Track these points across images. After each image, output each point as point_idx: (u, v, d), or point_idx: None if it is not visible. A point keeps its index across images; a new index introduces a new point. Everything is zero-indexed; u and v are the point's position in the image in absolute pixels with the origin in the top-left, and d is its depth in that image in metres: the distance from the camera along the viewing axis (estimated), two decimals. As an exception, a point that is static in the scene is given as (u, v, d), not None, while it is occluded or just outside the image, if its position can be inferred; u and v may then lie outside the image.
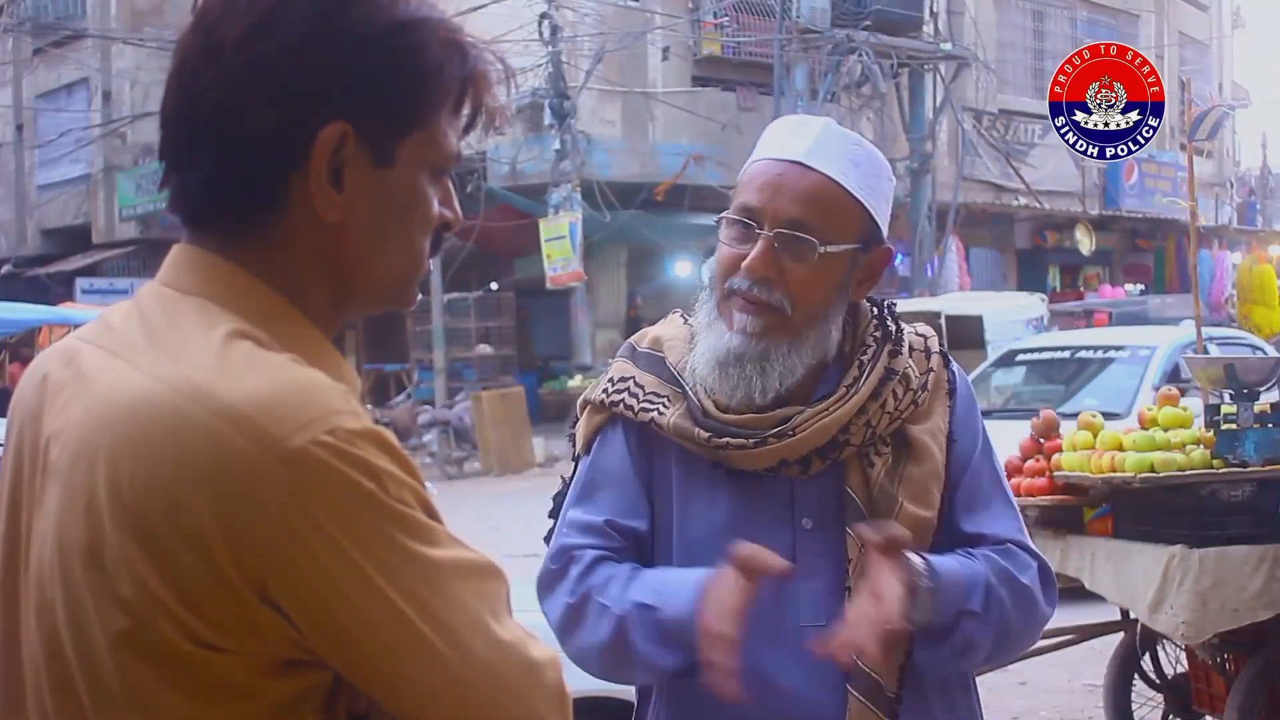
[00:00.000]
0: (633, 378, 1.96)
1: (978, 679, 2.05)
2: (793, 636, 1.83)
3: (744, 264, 1.83)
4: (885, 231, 1.92)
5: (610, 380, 1.98)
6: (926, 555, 1.80)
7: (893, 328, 1.94)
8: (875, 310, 1.96)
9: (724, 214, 1.89)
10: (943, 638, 1.82)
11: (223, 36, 1.13)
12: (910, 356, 1.92)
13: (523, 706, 1.13)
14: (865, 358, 1.89)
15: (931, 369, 1.93)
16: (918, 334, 1.97)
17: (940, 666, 1.86)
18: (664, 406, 1.91)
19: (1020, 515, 1.96)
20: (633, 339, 2.06)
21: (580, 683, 3.23)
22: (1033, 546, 1.92)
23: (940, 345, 1.98)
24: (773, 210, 1.83)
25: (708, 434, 1.86)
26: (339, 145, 1.14)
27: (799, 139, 1.86)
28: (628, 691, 3.85)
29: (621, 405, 1.93)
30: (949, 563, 1.83)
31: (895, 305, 2.00)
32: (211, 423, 1.04)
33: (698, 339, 1.91)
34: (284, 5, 1.13)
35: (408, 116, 1.17)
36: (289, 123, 1.13)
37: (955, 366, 1.98)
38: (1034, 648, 5.31)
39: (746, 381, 1.84)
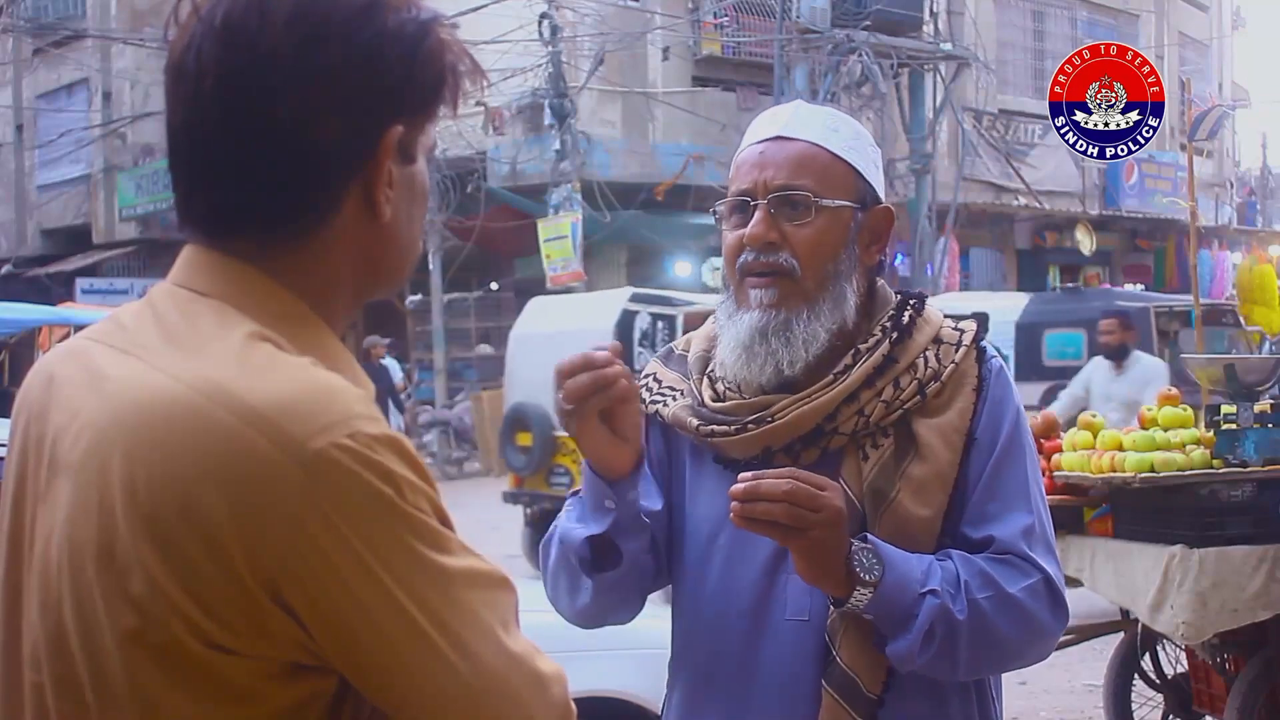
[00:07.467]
0: (654, 374, 2.03)
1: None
2: (778, 630, 1.82)
3: (745, 235, 1.84)
4: (881, 194, 1.92)
5: (641, 377, 2.03)
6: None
7: (906, 319, 1.90)
8: (899, 302, 1.94)
9: (720, 203, 1.91)
10: (906, 622, 1.73)
11: (274, 49, 1.11)
12: (938, 349, 1.88)
13: (527, 719, 1.13)
14: (864, 345, 1.87)
15: (954, 362, 1.87)
16: (954, 328, 1.93)
17: (914, 662, 1.74)
18: (673, 399, 1.95)
19: (1044, 525, 1.84)
20: (673, 343, 2.10)
21: (586, 683, 3.25)
22: (1036, 559, 1.80)
23: (979, 341, 1.91)
24: (764, 182, 1.85)
25: (698, 423, 1.89)
26: (399, 146, 1.16)
27: (775, 122, 1.91)
28: (634, 694, 3.84)
29: (642, 401, 1.98)
30: (896, 550, 1.76)
31: (926, 298, 1.97)
32: (231, 423, 1.04)
33: (720, 335, 1.91)
34: (333, 13, 1.13)
35: (431, 112, 1.20)
36: (357, 130, 1.14)
37: (995, 364, 1.89)
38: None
39: (774, 356, 1.83)
